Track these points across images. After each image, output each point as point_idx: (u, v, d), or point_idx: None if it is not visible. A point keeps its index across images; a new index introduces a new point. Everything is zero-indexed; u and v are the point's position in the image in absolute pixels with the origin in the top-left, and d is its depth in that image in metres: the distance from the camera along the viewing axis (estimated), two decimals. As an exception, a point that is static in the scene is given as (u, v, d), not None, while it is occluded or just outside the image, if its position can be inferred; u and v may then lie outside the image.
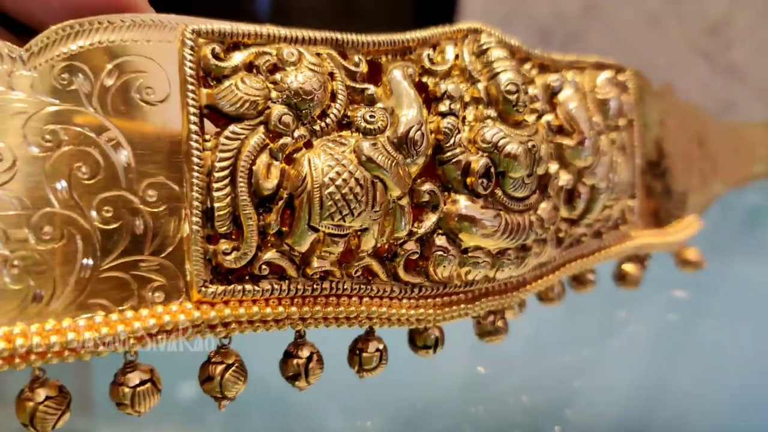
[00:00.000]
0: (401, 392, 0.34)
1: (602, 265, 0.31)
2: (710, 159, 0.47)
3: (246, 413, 0.32)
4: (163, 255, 0.18)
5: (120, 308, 0.18)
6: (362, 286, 0.20)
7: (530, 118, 0.23)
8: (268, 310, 0.19)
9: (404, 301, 0.21)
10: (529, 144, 0.22)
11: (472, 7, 0.90)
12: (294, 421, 0.33)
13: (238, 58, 0.18)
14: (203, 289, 0.18)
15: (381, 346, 0.22)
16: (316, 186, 0.18)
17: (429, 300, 0.22)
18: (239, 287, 0.18)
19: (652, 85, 0.35)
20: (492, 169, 0.21)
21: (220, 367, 0.19)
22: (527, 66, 0.25)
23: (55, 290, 0.17)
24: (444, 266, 0.21)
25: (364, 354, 0.22)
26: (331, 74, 0.19)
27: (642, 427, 0.38)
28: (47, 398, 0.17)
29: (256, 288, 0.18)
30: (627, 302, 0.38)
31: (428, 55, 0.22)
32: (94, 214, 0.17)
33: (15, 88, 0.17)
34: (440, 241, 0.21)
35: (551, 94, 0.25)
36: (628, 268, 0.31)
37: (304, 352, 0.20)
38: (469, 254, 0.22)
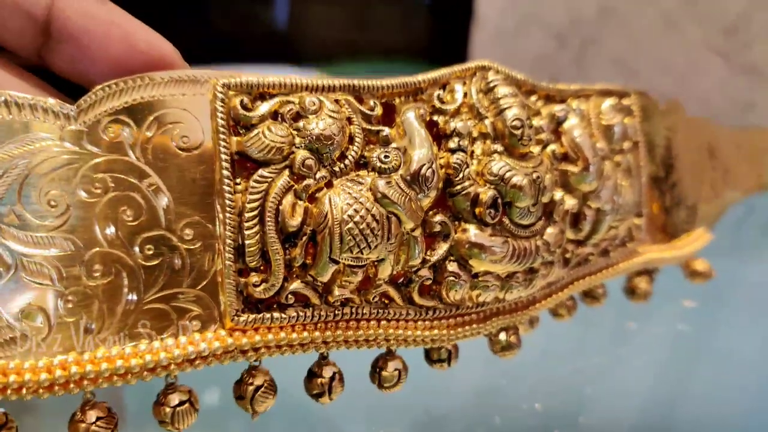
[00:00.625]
0: (419, 400, 0.36)
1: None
2: (722, 169, 0.47)
3: (269, 420, 0.33)
4: (199, 287, 0.20)
5: (161, 336, 0.20)
6: (380, 311, 0.22)
7: (535, 150, 0.24)
8: (294, 335, 0.21)
9: (419, 323, 0.23)
10: (534, 175, 0.23)
11: (488, 14, 0.90)
12: (315, 427, 0.35)
13: (264, 108, 0.20)
14: (236, 318, 0.20)
15: (400, 366, 0.24)
16: (336, 223, 0.20)
17: (443, 321, 0.24)
18: (268, 315, 0.20)
19: (658, 104, 0.36)
20: (499, 200, 0.23)
21: (251, 388, 0.21)
22: (533, 98, 0.26)
23: (104, 322, 0.19)
24: (456, 290, 0.23)
25: (384, 372, 0.24)
26: (349, 119, 0.21)
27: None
28: (98, 419, 0.19)
29: (283, 315, 0.20)
30: (638, 313, 0.39)
31: (438, 95, 0.23)
32: (137, 251, 0.19)
33: (67, 141, 0.19)
34: (452, 267, 0.23)
35: (556, 123, 0.26)
36: (638, 282, 0.32)
37: (327, 372, 0.22)
38: (480, 278, 0.23)
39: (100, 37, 0.21)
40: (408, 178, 0.21)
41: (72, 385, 0.19)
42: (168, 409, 0.20)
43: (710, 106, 0.81)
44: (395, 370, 0.24)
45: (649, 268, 0.34)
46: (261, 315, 0.20)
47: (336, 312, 0.21)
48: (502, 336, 0.26)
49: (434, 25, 0.98)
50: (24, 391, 0.18)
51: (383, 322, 0.22)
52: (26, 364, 0.18)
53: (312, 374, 0.22)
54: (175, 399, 0.20)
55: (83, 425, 0.19)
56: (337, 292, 0.21)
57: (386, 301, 0.22)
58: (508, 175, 0.23)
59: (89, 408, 0.19)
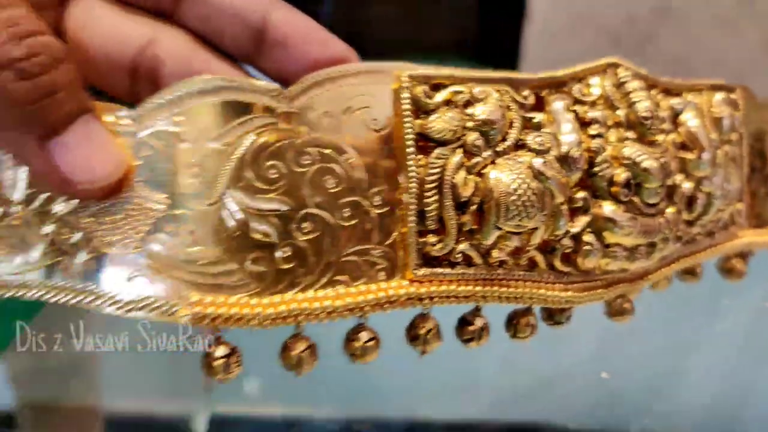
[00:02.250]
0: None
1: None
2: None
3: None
4: (385, 245, 0.24)
5: (355, 284, 0.24)
6: (527, 273, 0.26)
7: (660, 138, 0.28)
8: (460, 288, 0.25)
9: (557, 285, 0.27)
10: (662, 160, 0.27)
11: (540, 12, 0.90)
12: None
13: (440, 96, 0.24)
14: (416, 271, 0.24)
15: (534, 321, 0.28)
16: (502, 195, 0.24)
17: (575, 285, 0.27)
18: (440, 270, 0.24)
19: (756, 98, 0.39)
20: (631, 181, 0.26)
21: (423, 331, 0.25)
22: (653, 92, 0.29)
23: (312, 270, 0.23)
24: (590, 258, 0.26)
25: (518, 325, 0.27)
26: (509, 107, 0.25)
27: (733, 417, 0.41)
28: (306, 348, 0.24)
29: (453, 271, 0.24)
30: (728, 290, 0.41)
31: (579, 88, 0.27)
32: (337, 213, 0.23)
33: (283, 120, 0.23)
34: (588, 238, 0.26)
35: (675, 115, 0.29)
36: (735, 263, 0.35)
37: (479, 322, 0.26)
38: (610, 249, 0.27)
39: (302, 42, 0.25)
40: (559, 158, 0.25)
41: (289, 319, 0.23)
42: (358, 344, 0.24)
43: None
44: (528, 325, 0.27)
45: (744, 251, 0.36)
46: (435, 270, 0.24)
47: (493, 271, 0.25)
48: (619, 301, 0.29)
49: (484, 22, 0.99)
50: (253, 322, 0.22)
51: (528, 283, 0.26)
52: (253, 301, 0.23)
53: (465, 322, 0.26)
54: (365, 336, 0.24)
55: (293, 353, 0.23)
56: (495, 254, 0.25)
57: (532, 265, 0.26)
58: (639, 159, 0.26)
59: (299, 339, 0.23)
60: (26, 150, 0.20)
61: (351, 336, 0.24)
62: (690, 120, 0.30)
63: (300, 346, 0.24)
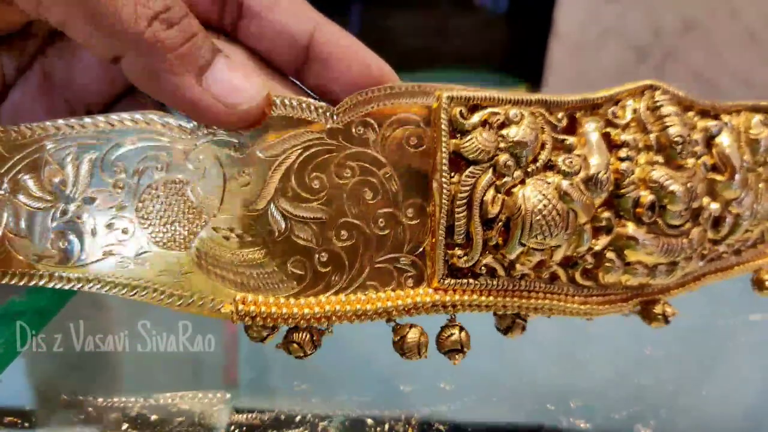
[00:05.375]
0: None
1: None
2: None
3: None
4: (415, 254, 0.26)
5: (385, 289, 0.26)
6: (548, 285, 0.27)
7: (689, 162, 0.28)
8: (483, 298, 0.26)
9: (576, 298, 0.28)
10: (689, 185, 0.28)
11: (567, 26, 0.89)
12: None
13: (476, 117, 0.25)
14: (442, 280, 0.26)
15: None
16: (528, 213, 0.25)
17: (594, 298, 0.29)
18: (465, 281, 0.26)
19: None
20: (656, 203, 0.27)
21: (455, 334, 0.27)
22: (690, 113, 0.30)
23: (347, 274, 0.25)
24: (611, 274, 0.28)
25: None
26: (542, 128, 0.26)
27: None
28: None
29: (476, 282, 0.26)
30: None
31: (612, 111, 0.28)
32: (373, 223, 0.25)
33: (328, 135, 0.25)
34: (610, 255, 0.28)
35: (709, 137, 0.30)
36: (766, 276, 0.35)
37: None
38: (631, 266, 0.28)
39: (345, 60, 0.27)
40: (586, 180, 0.26)
41: (323, 320, 0.25)
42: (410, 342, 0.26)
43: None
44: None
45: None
46: (460, 280, 0.26)
47: (515, 284, 0.27)
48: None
49: (511, 35, 0.98)
50: (291, 321, 0.25)
51: (548, 295, 0.27)
52: (292, 300, 0.25)
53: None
54: (415, 333, 0.26)
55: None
56: (518, 268, 0.26)
57: (553, 279, 0.27)
58: (666, 183, 0.27)
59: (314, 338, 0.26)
60: (185, 90, 0.23)
61: (398, 330, 0.26)
62: (724, 142, 0.30)
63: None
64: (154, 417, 0.35)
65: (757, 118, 0.32)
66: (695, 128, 0.30)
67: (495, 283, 0.26)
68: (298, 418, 0.36)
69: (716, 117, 0.31)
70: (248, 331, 0.25)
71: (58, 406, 0.37)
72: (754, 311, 0.46)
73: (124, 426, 0.35)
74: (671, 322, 0.31)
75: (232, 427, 0.34)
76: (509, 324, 0.28)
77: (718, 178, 0.30)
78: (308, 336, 0.25)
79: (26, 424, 0.35)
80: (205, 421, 0.35)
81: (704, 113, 0.31)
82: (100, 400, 0.36)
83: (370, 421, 0.36)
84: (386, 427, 0.35)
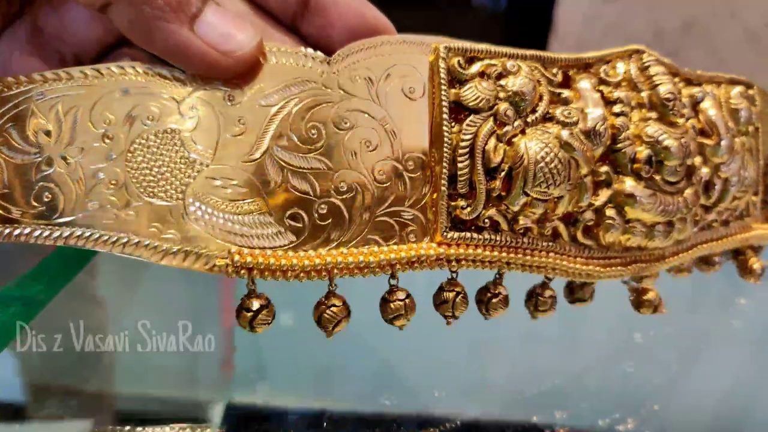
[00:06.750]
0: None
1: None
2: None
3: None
4: (417, 207, 0.25)
5: (387, 243, 0.25)
6: (550, 243, 0.27)
7: (680, 121, 0.29)
8: (486, 252, 0.25)
9: (578, 258, 0.28)
10: (682, 140, 0.28)
11: (568, 26, 0.92)
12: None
13: (475, 68, 0.25)
14: (445, 233, 0.25)
15: (553, 294, 0.28)
16: (530, 162, 0.25)
17: (595, 260, 0.28)
18: (468, 234, 0.25)
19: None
20: (653, 158, 0.27)
21: (452, 294, 0.26)
22: (676, 79, 0.30)
23: (347, 228, 0.24)
24: (611, 233, 0.27)
25: (541, 298, 0.28)
26: (539, 81, 0.26)
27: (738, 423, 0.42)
28: (333, 306, 0.25)
29: (479, 236, 0.25)
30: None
31: (604, 69, 0.28)
32: (373, 175, 0.25)
33: (325, 84, 0.24)
34: (610, 212, 0.27)
35: (695, 102, 0.31)
36: (754, 263, 0.36)
37: (499, 290, 0.27)
38: (630, 224, 0.28)
39: (342, 11, 0.26)
40: (585, 131, 0.26)
41: (324, 273, 0.24)
42: (398, 303, 0.25)
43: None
44: (549, 297, 0.28)
45: (755, 245, 0.37)
46: (464, 234, 0.25)
47: (518, 239, 0.26)
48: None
49: (510, 34, 1.01)
50: (289, 273, 0.23)
51: (551, 254, 0.27)
52: (290, 253, 0.24)
53: (485, 289, 0.27)
54: (401, 294, 0.25)
55: (324, 308, 0.24)
56: (521, 221, 0.26)
57: (555, 237, 0.27)
58: (661, 137, 0.27)
59: (332, 296, 0.24)
60: (177, 38, 0.23)
61: (388, 297, 0.25)
62: (709, 108, 0.31)
63: (335, 302, 0.25)
64: (149, 409, 0.33)
65: (737, 89, 0.33)
66: (681, 93, 0.30)
67: (498, 238, 0.26)
68: (294, 412, 0.34)
69: (699, 85, 0.32)
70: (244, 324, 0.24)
71: (51, 398, 0.35)
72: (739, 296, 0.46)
73: (118, 419, 0.33)
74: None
75: (228, 420, 0.33)
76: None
77: (707, 142, 0.30)
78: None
79: (17, 418, 0.33)
80: (201, 415, 0.33)
81: (688, 81, 0.31)
82: (94, 392, 0.34)
83: (366, 415, 0.34)
84: (384, 419, 0.34)
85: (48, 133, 0.22)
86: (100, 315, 0.43)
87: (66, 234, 0.22)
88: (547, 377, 0.41)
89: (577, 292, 0.30)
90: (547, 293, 0.28)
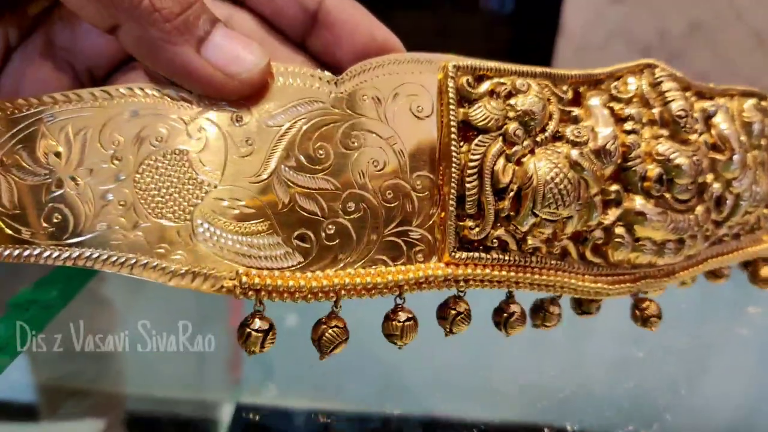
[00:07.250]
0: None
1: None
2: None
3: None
4: (424, 227, 0.25)
5: (395, 264, 0.25)
6: (559, 262, 0.27)
7: (693, 137, 0.28)
8: (495, 272, 0.25)
9: (587, 276, 0.28)
10: (694, 158, 0.28)
11: (574, 27, 0.91)
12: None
13: (484, 86, 0.25)
14: (453, 253, 0.25)
15: (559, 310, 0.28)
16: (540, 183, 0.25)
17: (604, 277, 0.28)
18: (476, 255, 0.25)
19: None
20: (663, 177, 0.27)
21: (453, 312, 0.26)
22: (688, 93, 0.30)
23: (354, 248, 0.24)
24: (620, 251, 0.27)
25: (547, 313, 0.28)
26: (548, 99, 0.26)
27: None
28: (335, 326, 0.24)
29: (488, 256, 0.25)
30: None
31: (615, 86, 0.28)
32: (380, 195, 0.24)
33: (332, 104, 0.24)
34: (619, 230, 0.27)
35: (707, 117, 0.30)
36: (766, 273, 0.35)
37: (513, 308, 0.27)
38: (640, 243, 0.28)
39: (351, 28, 0.26)
40: (595, 150, 0.26)
41: (331, 294, 0.24)
42: (397, 324, 0.25)
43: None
44: (557, 313, 0.28)
45: (766, 257, 0.37)
46: (472, 254, 0.25)
47: (526, 259, 0.26)
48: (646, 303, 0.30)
49: (516, 35, 1.00)
50: (297, 294, 0.23)
51: (560, 272, 0.27)
52: (298, 274, 0.24)
53: (500, 310, 0.27)
54: (403, 316, 0.25)
55: (322, 327, 0.24)
56: (530, 241, 0.26)
57: (564, 255, 0.27)
58: (672, 155, 0.27)
59: (333, 317, 0.24)
60: (184, 60, 0.23)
61: (391, 316, 0.25)
62: (722, 123, 0.30)
63: (337, 323, 0.25)
64: (157, 412, 0.34)
65: (750, 102, 0.33)
66: (693, 108, 0.30)
67: (507, 257, 0.25)
68: (301, 415, 0.34)
69: (711, 99, 0.31)
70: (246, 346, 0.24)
71: (62, 399, 0.35)
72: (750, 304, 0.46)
73: (128, 420, 0.33)
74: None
75: (236, 423, 0.33)
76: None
77: (719, 157, 0.30)
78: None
79: (29, 418, 0.34)
80: (209, 417, 0.34)
81: (700, 95, 0.31)
82: (104, 394, 0.35)
83: (373, 417, 0.34)
84: (389, 423, 0.34)
85: (58, 155, 0.23)
86: (101, 314, 0.43)
87: (75, 255, 0.22)
88: (555, 386, 0.41)
89: (584, 305, 0.30)
90: (555, 310, 0.28)
